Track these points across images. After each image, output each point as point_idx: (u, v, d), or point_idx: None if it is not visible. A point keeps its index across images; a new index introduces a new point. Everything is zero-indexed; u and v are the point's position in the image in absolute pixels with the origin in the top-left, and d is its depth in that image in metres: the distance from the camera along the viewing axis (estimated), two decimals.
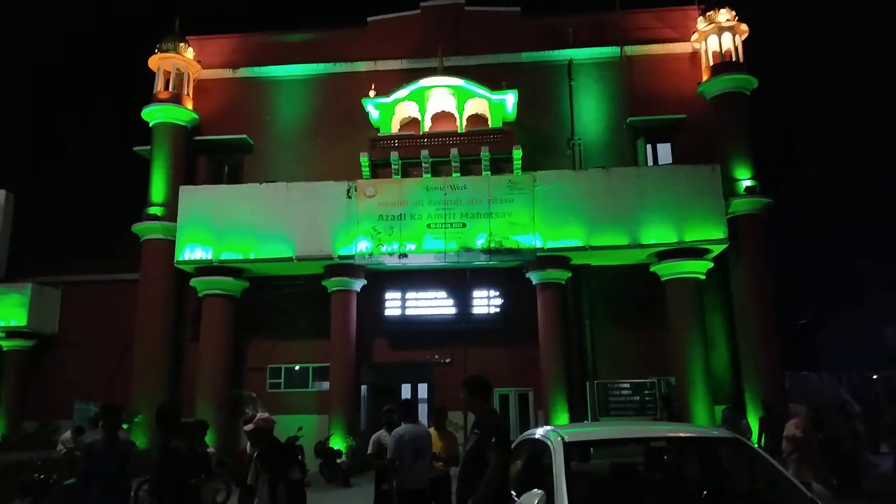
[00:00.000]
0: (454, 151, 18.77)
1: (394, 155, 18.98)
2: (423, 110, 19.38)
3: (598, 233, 17.43)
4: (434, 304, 18.73)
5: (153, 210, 19.15)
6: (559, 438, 4.76)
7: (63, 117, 46.41)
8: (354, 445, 16.65)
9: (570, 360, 17.76)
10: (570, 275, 17.99)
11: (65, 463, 11.90)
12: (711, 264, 17.72)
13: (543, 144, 19.61)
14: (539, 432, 5.44)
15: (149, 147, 20.17)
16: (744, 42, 19.66)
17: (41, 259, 21.42)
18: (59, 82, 49.08)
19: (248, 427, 5.96)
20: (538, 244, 17.42)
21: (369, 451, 8.75)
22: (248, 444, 6.61)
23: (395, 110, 19.58)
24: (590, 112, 20.18)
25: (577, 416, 17.14)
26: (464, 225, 17.65)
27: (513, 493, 4.99)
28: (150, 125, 20.18)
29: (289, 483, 5.62)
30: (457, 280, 18.56)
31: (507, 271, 18.43)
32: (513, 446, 5.60)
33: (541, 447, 5.10)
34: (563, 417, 16.69)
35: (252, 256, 18.02)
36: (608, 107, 20.19)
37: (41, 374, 20.20)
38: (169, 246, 18.53)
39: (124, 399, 17.12)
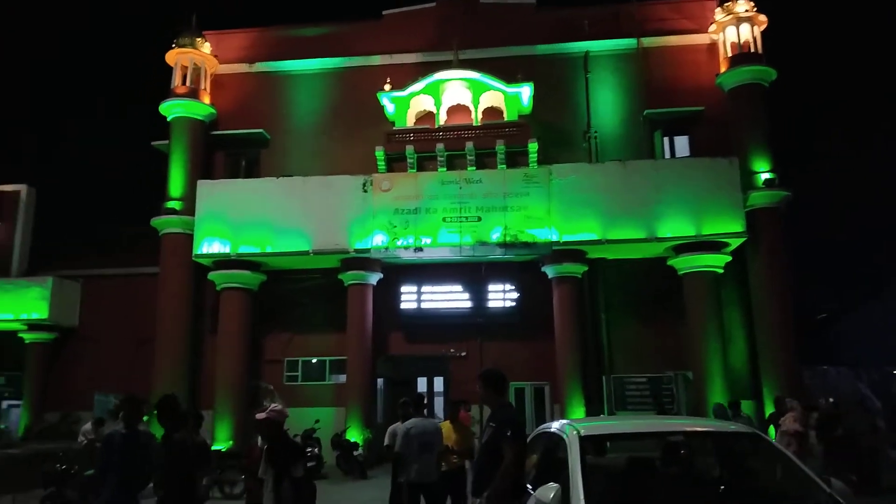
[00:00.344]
0: (469, 145, 18.73)
1: (409, 149, 18.97)
2: (438, 104, 19.34)
3: (614, 226, 17.35)
4: (450, 297, 18.78)
5: (171, 204, 19.31)
6: (575, 432, 4.74)
7: (82, 113, 46.96)
8: (371, 438, 16.73)
9: (586, 354, 17.72)
10: (586, 268, 17.93)
11: (85, 454, 12.07)
12: (729, 258, 17.58)
13: (559, 137, 19.52)
14: (555, 426, 5.43)
15: (167, 142, 20.33)
16: (762, 33, 19.41)
17: (62, 253, 21.68)
18: (73, 80, 49.63)
19: (261, 415, 5.96)
20: (554, 238, 17.38)
21: (385, 443, 8.80)
22: (259, 438, 6.59)
23: (410, 104, 19.55)
24: (606, 104, 20.05)
25: (593, 411, 17.11)
26: (479, 219, 17.64)
27: (528, 486, 4.99)
28: (169, 120, 20.33)
29: (292, 479, 5.59)
30: (472, 274, 18.57)
31: (523, 265, 18.40)
32: (528, 440, 5.60)
33: (556, 441, 5.08)
34: (579, 411, 16.66)
35: (269, 250, 18.15)
36: (625, 99, 20.05)
37: (62, 367, 20.49)
38: (187, 240, 18.70)
39: (144, 391, 17.31)
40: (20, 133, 46.21)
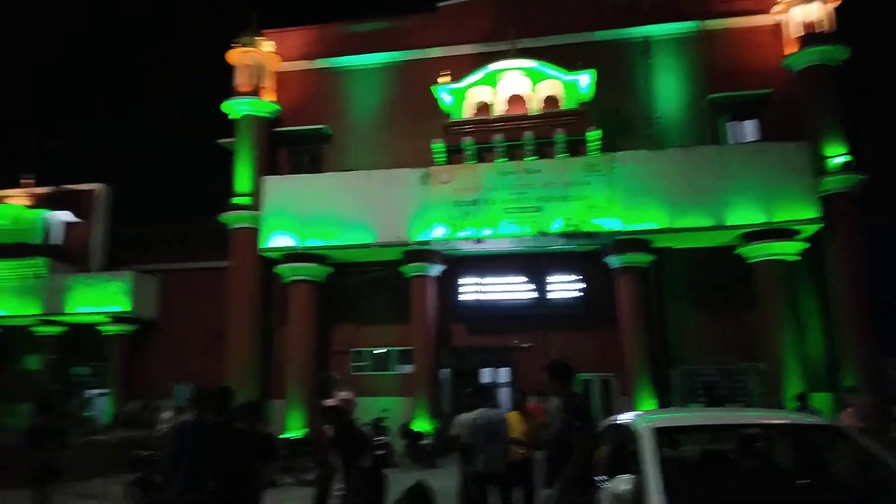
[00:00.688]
0: (528, 135, 18.60)
1: (467, 140, 18.96)
2: (495, 94, 19.25)
3: (680, 214, 16.99)
4: (511, 288, 18.75)
5: (239, 200, 19.90)
6: (648, 424, 4.71)
7: (150, 111, 48.86)
8: (439, 427, 16.91)
9: (652, 345, 17.42)
10: (651, 258, 17.62)
11: (166, 441, 12.63)
12: (805, 245, 17.00)
13: (620, 125, 19.17)
14: (626, 418, 5.40)
15: (231, 139, 20.91)
16: (835, 10, 18.56)
17: (138, 248, 22.71)
18: (137, 77, 51.66)
19: (329, 402, 5.99)
20: (617, 227, 17.14)
21: (452, 433, 8.90)
22: (328, 426, 6.66)
23: (467, 95, 19.47)
24: (668, 90, 19.61)
25: (661, 403, 16.82)
26: (540, 209, 17.54)
27: (601, 477, 4.99)
28: (233, 118, 20.84)
29: (360, 470, 5.65)
30: (533, 265, 18.50)
31: (584, 255, 18.22)
32: (599, 432, 5.59)
33: (628, 433, 5.05)
34: (648, 404, 16.41)
35: (334, 243, 18.51)
36: (688, 84, 19.56)
37: (142, 358, 21.54)
38: (255, 234, 19.24)
39: (218, 382, 17.97)
40: (83, 133, 48.70)
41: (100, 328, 21.77)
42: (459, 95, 19.46)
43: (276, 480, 12.58)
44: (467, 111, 19.46)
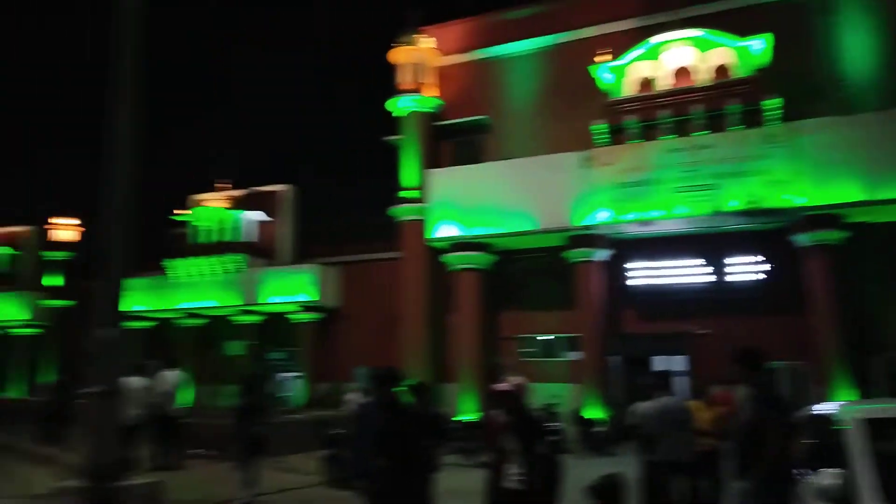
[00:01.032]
0: (698, 108, 17.62)
1: (631, 119, 18.35)
2: (659, 68, 18.40)
3: (878, 186, 15.32)
4: (684, 272, 17.96)
5: (406, 193, 20.83)
6: (857, 415, 4.36)
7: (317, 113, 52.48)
8: (613, 415, 16.61)
9: (849, 330, 15.85)
10: (845, 235, 16.03)
11: (349, 421, 13.55)
12: None
13: (803, 91, 17.51)
14: (829, 408, 5.04)
15: (396, 136, 21.84)
16: None
17: (320, 243, 24.61)
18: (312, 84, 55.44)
19: (501, 387, 6.07)
20: (803, 202, 15.75)
21: (629, 421, 8.75)
22: (498, 410, 6.76)
23: (628, 72, 18.80)
24: (856, 49, 17.71)
25: (862, 393, 15.26)
26: (714, 186, 16.57)
27: (801, 470, 4.70)
28: (398, 115, 21.69)
29: (535, 456, 5.61)
30: (707, 246, 17.58)
31: (763, 234, 16.98)
32: (794, 422, 5.26)
33: (830, 424, 4.72)
34: (846, 394, 14.99)
35: (497, 231, 18.77)
36: (878, 41, 17.56)
37: (329, 343, 23.37)
38: (423, 225, 20.03)
39: (395, 365, 18.93)
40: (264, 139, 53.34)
41: (289, 316, 23.89)
42: (620, 73, 18.83)
43: (449, 461, 12.99)
44: (628, 89, 18.77)
